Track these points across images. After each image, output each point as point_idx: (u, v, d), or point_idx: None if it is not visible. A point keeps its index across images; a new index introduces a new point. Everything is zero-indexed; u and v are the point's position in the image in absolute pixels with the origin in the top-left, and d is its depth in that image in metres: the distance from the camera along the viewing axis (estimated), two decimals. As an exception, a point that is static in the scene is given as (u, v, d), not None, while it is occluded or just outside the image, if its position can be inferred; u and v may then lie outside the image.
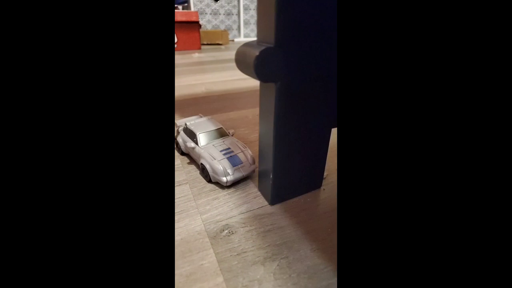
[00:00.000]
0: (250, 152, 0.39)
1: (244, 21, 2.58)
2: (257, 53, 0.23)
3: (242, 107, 0.70)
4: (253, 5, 2.54)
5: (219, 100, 0.75)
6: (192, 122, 0.44)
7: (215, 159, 0.36)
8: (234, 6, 2.49)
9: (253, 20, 2.61)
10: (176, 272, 0.24)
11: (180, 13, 1.77)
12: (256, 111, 0.67)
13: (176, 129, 0.48)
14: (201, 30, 2.12)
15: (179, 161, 0.43)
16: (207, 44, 2.21)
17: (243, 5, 2.52)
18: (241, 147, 0.39)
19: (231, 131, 0.44)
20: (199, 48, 1.93)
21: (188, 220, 0.30)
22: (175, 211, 0.32)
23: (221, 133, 0.42)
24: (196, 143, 0.40)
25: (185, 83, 0.94)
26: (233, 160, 0.36)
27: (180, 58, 1.51)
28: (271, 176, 0.31)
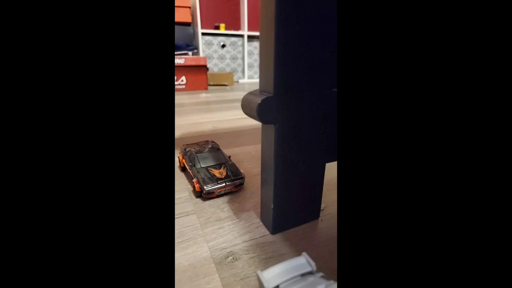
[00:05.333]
0: None
1: (248, 64, 2.79)
2: (259, 101, 0.28)
3: (246, 143, 0.75)
4: (257, 51, 2.77)
5: (225, 137, 0.81)
6: None
7: None
8: (239, 52, 2.72)
9: (256, 63, 2.82)
10: (184, 295, 0.26)
11: (190, 59, 1.95)
12: (258, 147, 0.72)
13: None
14: (208, 72, 2.30)
15: (188, 193, 0.47)
16: (214, 85, 2.37)
17: (248, 51, 2.75)
18: None
19: None
20: (206, 89, 2.07)
21: (196, 247, 0.33)
22: (184, 239, 0.34)
23: None
24: None
25: (193, 121, 1.01)
26: None
27: (188, 98, 1.62)
28: (272, 207, 0.34)
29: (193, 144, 0.56)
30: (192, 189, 0.47)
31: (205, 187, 0.42)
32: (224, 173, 0.46)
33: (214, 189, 0.43)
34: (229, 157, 0.52)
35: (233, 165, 0.49)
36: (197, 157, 0.49)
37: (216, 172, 0.46)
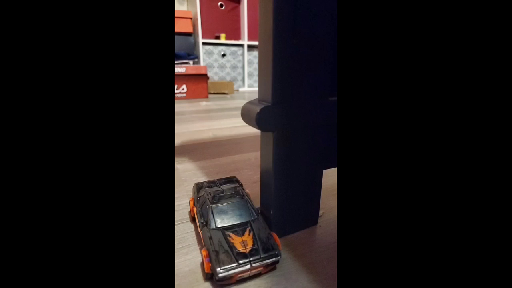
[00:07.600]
0: None
1: (248, 73, 2.83)
2: (258, 110, 0.30)
3: (245, 150, 0.76)
4: (256, 60, 2.82)
5: (225, 144, 0.82)
6: None
7: None
8: (239, 61, 2.77)
9: (256, 72, 2.86)
10: (185, 300, 0.27)
11: (191, 68, 1.99)
12: (258, 154, 0.73)
13: None
14: (208, 81, 2.33)
15: (188, 199, 0.47)
16: (214, 93, 2.40)
17: (247, 60, 2.79)
18: None
19: None
20: (207, 97, 2.10)
21: (196, 253, 0.33)
22: (184, 245, 0.35)
23: None
24: None
25: (194, 129, 1.03)
26: None
27: (189, 106, 1.64)
28: (271, 213, 0.35)
29: (209, 183, 0.40)
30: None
31: (218, 270, 0.26)
32: (250, 244, 0.29)
33: (232, 273, 0.26)
34: (258, 210, 0.34)
35: (264, 226, 0.32)
36: (211, 209, 0.33)
37: (236, 241, 0.29)
